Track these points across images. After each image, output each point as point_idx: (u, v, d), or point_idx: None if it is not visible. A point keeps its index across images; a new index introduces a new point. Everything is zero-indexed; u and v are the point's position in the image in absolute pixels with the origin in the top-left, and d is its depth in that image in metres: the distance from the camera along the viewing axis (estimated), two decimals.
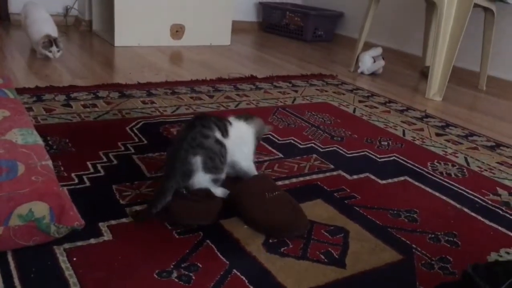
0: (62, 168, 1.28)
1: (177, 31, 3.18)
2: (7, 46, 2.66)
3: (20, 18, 2.63)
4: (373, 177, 1.46)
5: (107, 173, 1.29)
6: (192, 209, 1.09)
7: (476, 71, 2.87)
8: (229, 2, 3.38)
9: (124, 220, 1.09)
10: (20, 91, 1.81)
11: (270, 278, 0.95)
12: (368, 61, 2.87)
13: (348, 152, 1.63)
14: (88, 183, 1.23)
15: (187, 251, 1.00)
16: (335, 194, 1.32)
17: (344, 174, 1.45)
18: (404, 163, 1.59)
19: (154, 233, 1.05)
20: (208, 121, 1.16)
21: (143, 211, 1.10)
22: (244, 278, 0.94)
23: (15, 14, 3.13)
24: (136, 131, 1.61)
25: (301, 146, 1.64)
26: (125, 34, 2.98)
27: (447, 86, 2.46)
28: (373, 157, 1.61)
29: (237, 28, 3.70)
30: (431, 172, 1.53)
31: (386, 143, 1.76)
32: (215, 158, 1.12)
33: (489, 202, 1.38)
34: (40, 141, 1.17)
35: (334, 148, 1.66)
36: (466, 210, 1.31)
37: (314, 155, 1.57)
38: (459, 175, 1.54)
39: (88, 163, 1.33)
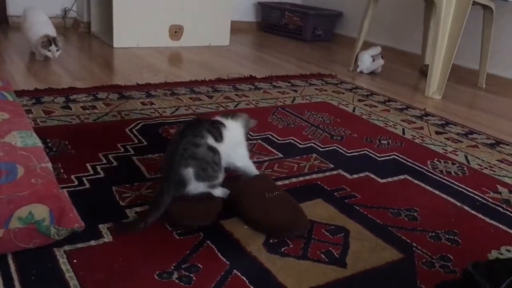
0: (62, 170, 1.28)
1: (176, 32, 3.18)
2: (6, 49, 2.66)
3: (20, 21, 2.64)
4: (373, 176, 1.45)
5: (107, 174, 1.29)
6: (192, 210, 1.09)
7: (476, 69, 2.87)
8: (227, 2, 3.38)
9: (124, 221, 1.08)
10: (19, 93, 1.81)
11: (270, 278, 0.95)
12: (367, 60, 2.87)
13: (348, 151, 1.63)
14: (88, 185, 1.23)
15: (188, 252, 1.00)
16: (335, 193, 1.32)
17: (344, 173, 1.45)
18: (404, 161, 1.59)
19: (154, 234, 1.05)
20: (200, 128, 1.13)
21: (135, 223, 1.07)
22: (244, 278, 0.94)
23: (13, 17, 3.13)
24: (135, 132, 1.60)
25: (301, 146, 1.64)
26: (124, 36, 2.98)
27: (447, 84, 2.46)
28: (373, 156, 1.61)
29: (236, 28, 3.70)
30: (431, 171, 1.53)
31: (386, 142, 1.76)
32: (207, 168, 1.10)
33: (490, 200, 1.38)
34: (39, 143, 1.17)
35: (334, 147, 1.65)
36: (466, 208, 1.31)
37: (314, 155, 1.57)
38: (459, 173, 1.54)
39: (88, 165, 1.33)
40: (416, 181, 1.45)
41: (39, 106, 1.77)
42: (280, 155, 1.54)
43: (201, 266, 0.96)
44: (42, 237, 0.95)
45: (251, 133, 1.48)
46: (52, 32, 2.41)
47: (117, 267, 0.93)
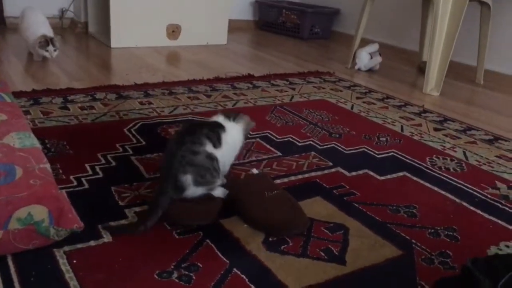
0: (61, 171, 1.28)
1: (173, 31, 3.18)
2: (3, 50, 2.65)
3: (17, 22, 2.63)
4: (372, 173, 1.46)
5: (106, 175, 1.29)
6: (191, 210, 1.09)
7: (473, 65, 2.87)
8: (225, 1, 3.37)
9: (123, 221, 1.09)
10: (17, 94, 1.80)
11: (270, 276, 0.95)
12: (365, 58, 2.87)
13: (347, 148, 1.63)
14: (86, 185, 1.23)
15: (187, 251, 1.00)
16: (334, 191, 1.32)
17: (343, 171, 1.45)
18: (403, 158, 1.59)
19: (154, 234, 1.05)
20: (199, 135, 1.12)
21: (133, 225, 1.07)
22: (244, 277, 0.94)
23: (10, 18, 3.12)
24: (134, 132, 1.60)
25: (300, 144, 1.64)
26: (122, 35, 2.97)
27: (445, 81, 2.47)
28: (372, 153, 1.62)
29: (234, 27, 3.70)
30: (430, 167, 1.53)
31: (384, 139, 1.76)
32: (206, 174, 1.10)
33: (488, 195, 1.38)
34: (37, 144, 1.17)
35: (333, 145, 1.66)
36: (465, 204, 1.31)
37: (313, 153, 1.57)
38: (458, 169, 1.54)
39: (87, 165, 1.33)
40: (415, 178, 1.45)
41: (37, 107, 1.77)
42: (279, 154, 1.54)
43: (201, 265, 0.96)
44: (42, 238, 0.95)
45: (250, 132, 1.48)
46: (49, 32, 2.41)
47: (117, 267, 0.93)
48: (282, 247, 1.05)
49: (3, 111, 1.30)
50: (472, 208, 1.30)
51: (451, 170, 1.53)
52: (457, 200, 1.34)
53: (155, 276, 0.92)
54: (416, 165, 1.55)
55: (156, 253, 0.99)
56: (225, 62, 2.85)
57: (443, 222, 1.21)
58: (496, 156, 1.68)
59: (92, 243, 1.00)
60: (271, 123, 1.81)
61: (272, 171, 1.42)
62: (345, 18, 3.92)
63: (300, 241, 1.07)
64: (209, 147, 1.12)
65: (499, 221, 1.24)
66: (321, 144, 1.65)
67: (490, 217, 1.26)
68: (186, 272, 0.93)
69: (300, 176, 1.39)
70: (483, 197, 1.36)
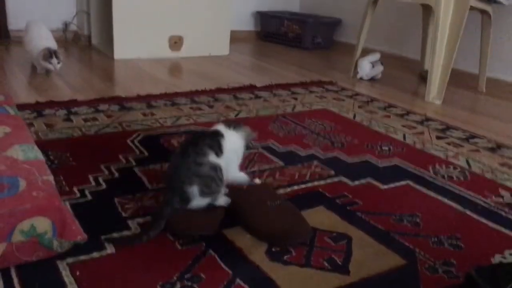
0: (64, 183, 1.29)
1: (176, 42, 3.20)
2: (7, 63, 2.68)
3: (21, 35, 2.66)
4: (374, 182, 1.45)
5: (109, 186, 1.30)
6: (194, 220, 1.09)
7: (475, 73, 2.87)
8: (226, 12, 3.40)
9: (126, 233, 1.09)
10: (21, 107, 1.82)
11: (273, 286, 0.95)
12: (367, 67, 2.88)
13: (349, 158, 1.63)
14: (90, 197, 1.23)
15: (190, 262, 1.00)
16: (337, 200, 1.32)
17: (346, 180, 1.45)
18: (406, 167, 1.59)
19: (157, 245, 1.05)
20: (202, 146, 1.13)
21: (137, 235, 1.07)
22: (247, 287, 0.93)
23: (14, 31, 3.15)
24: (137, 143, 1.61)
25: (302, 154, 1.64)
26: (125, 47, 3.00)
27: (447, 89, 2.47)
28: (374, 162, 1.61)
29: (235, 37, 3.72)
30: (433, 176, 1.53)
31: (387, 148, 1.76)
32: (211, 184, 1.11)
33: (492, 204, 1.37)
34: (41, 156, 1.18)
35: (335, 154, 1.66)
36: (468, 212, 1.31)
37: (315, 162, 1.57)
38: (461, 177, 1.54)
39: (90, 176, 1.34)
40: (418, 187, 1.45)
41: (41, 119, 1.78)
42: (282, 163, 1.54)
43: (204, 276, 0.96)
44: (45, 250, 0.95)
45: (252, 142, 1.48)
46: (53, 45, 2.43)
47: (120, 279, 0.93)
48: (285, 257, 1.04)
49: (7, 124, 1.30)
50: (475, 216, 1.29)
51: (454, 178, 1.53)
52: (461, 208, 1.33)
53: (158, 287, 0.92)
54: (419, 173, 1.54)
55: (159, 265, 0.99)
56: (227, 73, 2.86)
57: (446, 230, 1.20)
58: (500, 164, 1.68)
59: (95, 254, 1.00)
60: (273, 133, 1.82)
61: (275, 181, 1.42)
62: (346, 27, 3.94)
63: (303, 251, 1.07)
64: (212, 157, 1.13)
65: (503, 229, 1.23)
66: (323, 153, 1.66)
67: (494, 225, 1.25)
68: (189, 283, 0.93)
69: (303, 186, 1.39)
70: (486, 205, 1.36)
